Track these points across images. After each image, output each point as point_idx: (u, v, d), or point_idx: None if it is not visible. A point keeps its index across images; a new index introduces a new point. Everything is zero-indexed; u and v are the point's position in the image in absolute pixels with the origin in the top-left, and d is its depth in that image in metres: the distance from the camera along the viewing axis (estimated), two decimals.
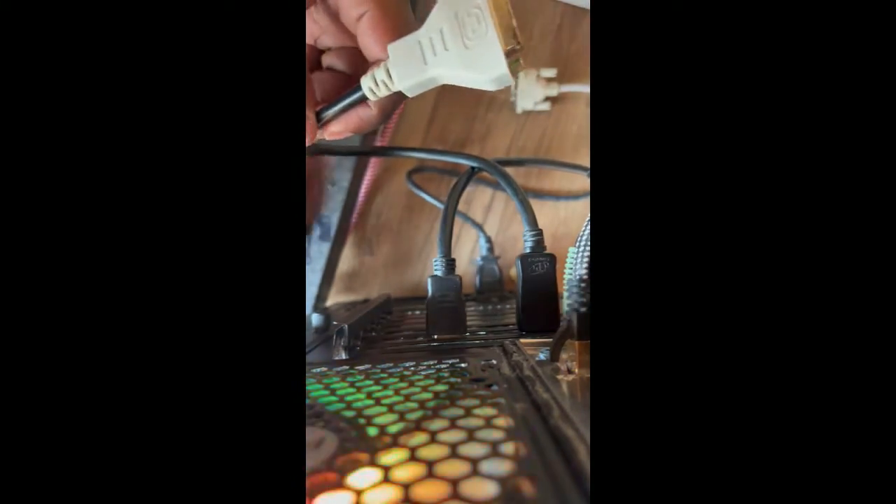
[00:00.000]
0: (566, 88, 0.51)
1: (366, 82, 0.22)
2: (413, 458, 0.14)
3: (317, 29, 0.26)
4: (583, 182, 0.51)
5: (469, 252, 0.52)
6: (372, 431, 0.15)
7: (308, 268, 0.49)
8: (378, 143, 0.49)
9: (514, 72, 0.20)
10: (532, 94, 0.50)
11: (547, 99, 0.51)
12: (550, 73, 0.50)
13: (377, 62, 0.22)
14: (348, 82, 0.25)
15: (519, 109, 0.51)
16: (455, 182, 0.31)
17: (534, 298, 0.28)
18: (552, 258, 0.28)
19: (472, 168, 0.31)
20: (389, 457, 0.14)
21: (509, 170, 0.31)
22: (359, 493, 0.12)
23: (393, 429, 0.15)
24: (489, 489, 0.12)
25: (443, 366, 0.21)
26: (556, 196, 0.51)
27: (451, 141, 0.52)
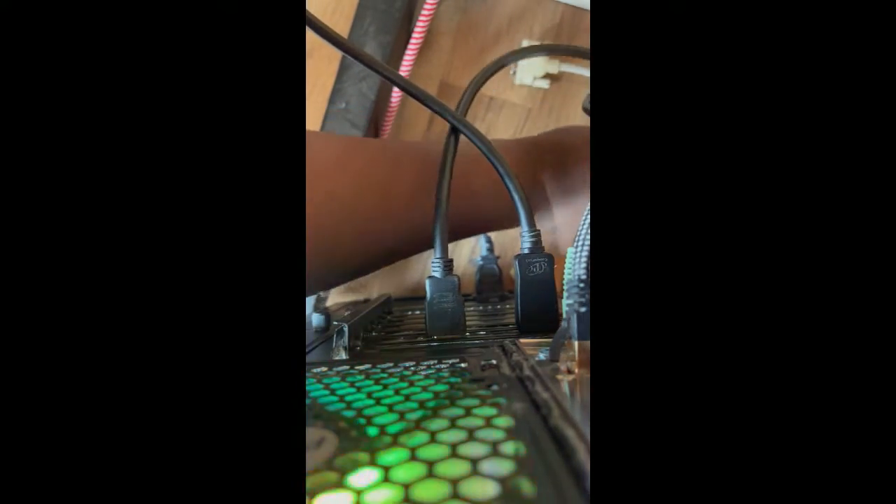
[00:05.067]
0: (566, 68, 0.50)
1: None
2: (413, 457, 0.14)
3: None
4: None
5: (469, 252, 0.53)
6: (372, 431, 0.15)
7: None
8: None
9: None
10: (532, 67, 0.50)
11: (546, 76, 0.51)
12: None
13: None
14: None
15: (517, 81, 0.51)
16: (439, 182, 0.30)
17: (532, 299, 0.28)
18: (550, 258, 0.28)
19: (456, 132, 0.31)
20: (389, 457, 0.14)
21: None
22: (359, 493, 0.12)
23: (393, 429, 0.15)
24: (489, 489, 0.12)
25: (443, 366, 0.21)
26: None
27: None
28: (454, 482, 0.12)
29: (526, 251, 0.29)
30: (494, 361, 0.21)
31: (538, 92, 0.52)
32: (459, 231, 0.37)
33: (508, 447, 0.14)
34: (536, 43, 0.50)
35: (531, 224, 0.29)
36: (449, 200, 0.30)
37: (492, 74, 0.37)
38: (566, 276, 0.22)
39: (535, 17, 0.52)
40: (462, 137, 0.31)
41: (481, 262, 0.47)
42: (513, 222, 0.36)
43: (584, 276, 0.20)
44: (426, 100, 0.31)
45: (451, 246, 0.36)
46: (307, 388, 0.19)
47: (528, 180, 0.35)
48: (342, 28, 0.48)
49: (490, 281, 0.46)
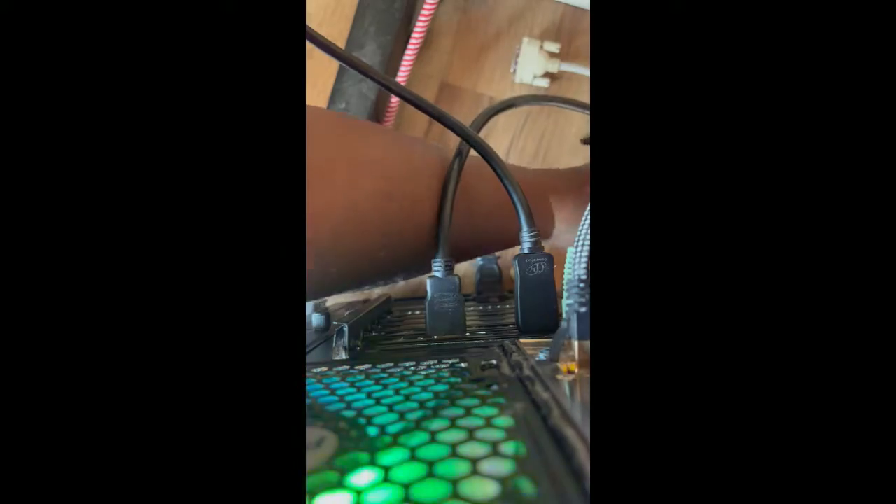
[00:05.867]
0: (566, 67, 0.50)
1: None
2: (413, 457, 0.14)
3: None
4: None
5: None
6: (372, 431, 0.15)
7: None
8: None
9: None
10: (533, 65, 0.50)
11: (546, 74, 0.51)
12: (554, 47, 0.50)
13: None
14: None
15: (517, 79, 0.51)
16: (446, 180, 0.30)
17: (532, 299, 0.28)
18: (550, 258, 0.28)
19: (461, 154, 0.31)
20: (389, 457, 0.14)
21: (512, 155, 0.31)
22: (359, 493, 0.12)
23: (393, 429, 0.15)
24: (489, 489, 0.12)
25: (443, 366, 0.21)
26: None
27: (451, 142, 0.52)
28: (454, 482, 0.12)
29: (526, 251, 0.29)
30: (494, 361, 0.21)
31: (538, 92, 0.52)
32: (463, 252, 0.36)
33: (508, 447, 0.14)
34: (536, 41, 0.50)
35: (531, 224, 0.29)
36: (454, 203, 0.30)
37: (493, 115, 0.36)
38: (566, 276, 0.23)
39: (535, 17, 0.52)
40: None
41: (481, 262, 0.47)
42: (513, 242, 0.36)
43: (584, 276, 0.20)
44: (423, 104, 0.31)
45: None
46: (307, 388, 0.19)
47: (536, 201, 0.34)
48: (342, 28, 0.48)
49: (490, 281, 0.46)
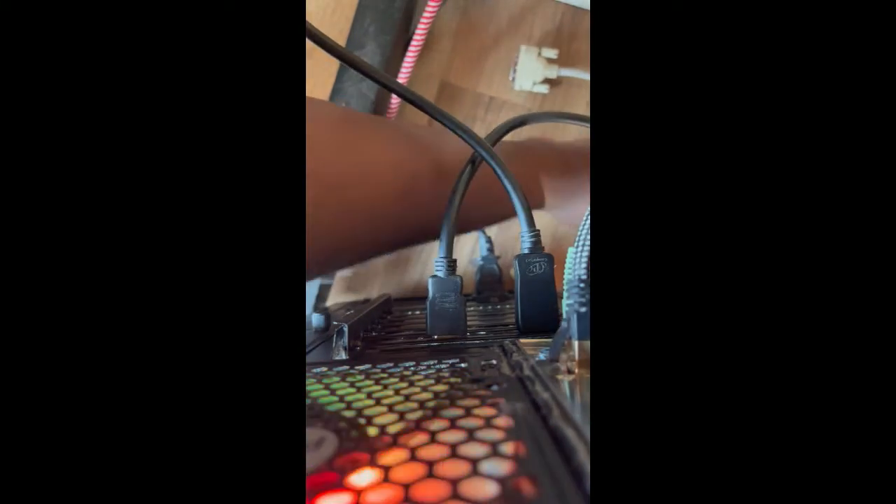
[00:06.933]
0: (565, 72, 0.50)
1: None
2: (413, 458, 0.14)
3: None
4: None
5: (469, 252, 0.53)
6: (372, 431, 0.15)
7: None
8: None
9: None
10: (531, 72, 0.50)
11: (546, 81, 0.51)
12: (552, 53, 0.50)
13: None
14: None
15: (517, 87, 0.51)
16: (457, 181, 0.31)
17: (532, 299, 0.28)
18: (550, 258, 0.28)
19: (473, 163, 0.31)
20: (389, 457, 0.14)
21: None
22: (359, 493, 0.12)
23: (393, 429, 0.15)
24: (489, 489, 0.12)
25: (443, 366, 0.21)
26: None
27: None
28: (454, 482, 0.12)
29: (526, 251, 0.29)
30: (494, 361, 0.21)
31: (538, 97, 0.52)
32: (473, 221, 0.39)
33: (508, 447, 0.14)
34: (534, 48, 0.50)
35: (531, 224, 0.29)
36: (462, 201, 0.30)
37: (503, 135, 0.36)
38: (566, 276, 0.23)
39: (534, 18, 0.52)
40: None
41: (481, 263, 0.47)
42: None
43: (584, 276, 0.20)
44: (423, 103, 0.31)
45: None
46: (307, 388, 0.19)
47: (527, 178, 0.36)
48: (342, 28, 0.48)
49: (490, 281, 0.46)
